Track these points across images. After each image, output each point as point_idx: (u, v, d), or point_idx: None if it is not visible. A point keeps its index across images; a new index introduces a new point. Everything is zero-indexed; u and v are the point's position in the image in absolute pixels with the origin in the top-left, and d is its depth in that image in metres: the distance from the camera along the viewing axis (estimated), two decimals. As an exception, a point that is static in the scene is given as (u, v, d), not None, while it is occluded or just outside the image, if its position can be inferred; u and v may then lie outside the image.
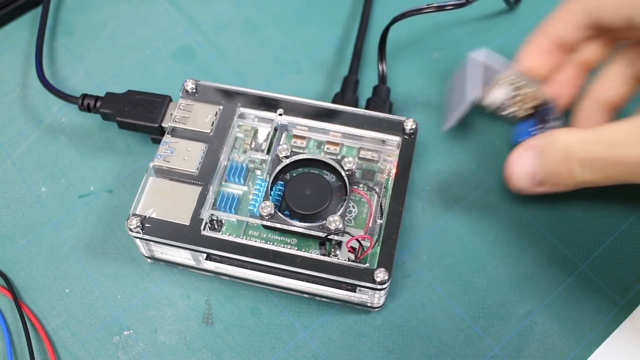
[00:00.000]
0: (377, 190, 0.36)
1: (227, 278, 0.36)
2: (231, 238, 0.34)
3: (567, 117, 0.38)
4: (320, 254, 0.34)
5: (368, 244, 0.33)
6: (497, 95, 0.38)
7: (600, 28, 0.36)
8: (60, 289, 0.36)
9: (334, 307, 0.36)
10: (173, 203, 0.35)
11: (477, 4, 0.42)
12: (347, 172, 0.36)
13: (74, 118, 0.41)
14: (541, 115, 0.37)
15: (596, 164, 0.32)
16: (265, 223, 0.34)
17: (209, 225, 0.35)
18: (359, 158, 0.37)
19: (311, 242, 0.35)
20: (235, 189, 0.36)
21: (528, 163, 0.34)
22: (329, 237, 0.33)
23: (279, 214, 0.34)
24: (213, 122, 0.37)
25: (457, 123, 0.39)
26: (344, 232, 0.33)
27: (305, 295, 0.36)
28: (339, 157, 0.36)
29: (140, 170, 0.39)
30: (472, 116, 0.41)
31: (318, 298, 0.36)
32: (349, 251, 0.34)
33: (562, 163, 0.33)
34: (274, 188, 0.36)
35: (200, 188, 0.35)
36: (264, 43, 0.44)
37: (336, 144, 0.37)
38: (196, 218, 0.34)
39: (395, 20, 0.40)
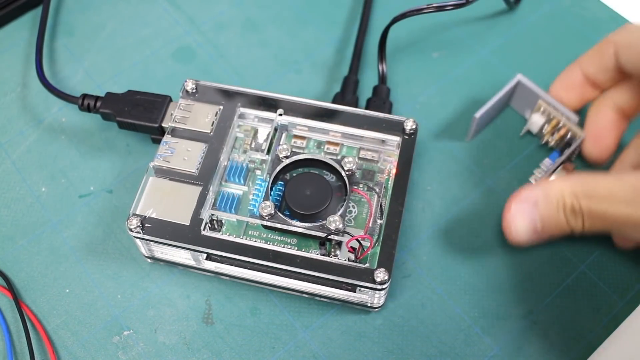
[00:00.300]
0: (377, 190, 0.36)
1: (227, 278, 0.36)
2: (231, 238, 0.34)
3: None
4: (320, 254, 0.34)
5: (368, 244, 0.33)
6: (535, 120, 0.39)
7: (627, 73, 0.36)
8: (60, 289, 0.36)
9: (334, 307, 0.36)
10: (173, 203, 0.35)
11: (477, 4, 0.42)
12: (347, 172, 0.36)
13: (74, 118, 0.41)
14: (567, 148, 0.38)
15: (585, 216, 0.32)
16: (265, 223, 0.34)
17: (209, 225, 0.35)
18: (359, 158, 0.37)
19: (311, 242, 0.35)
20: (235, 189, 0.36)
21: (527, 215, 0.34)
22: (329, 237, 0.33)
23: (279, 214, 0.34)
24: (213, 122, 0.37)
25: (472, 136, 0.40)
26: (344, 232, 0.33)
27: (305, 295, 0.36)
28: (339, 157, 0.36)
29: (140, 170, 0.39)
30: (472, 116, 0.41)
31: (318, 298, 0.36)
32: (349, 251, 0.34)
33: (557, 212, 0.33)
34: (274, 188, 0.36)
35: (200, 188, 0.35)
36: (264, 43, 0.44)
37: (336, 144, 0.37)
38: (196, 218, 0.34)
39: (395, 20, 0.40)
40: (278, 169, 0.36)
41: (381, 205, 0.35)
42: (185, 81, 0.38)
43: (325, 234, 0.33)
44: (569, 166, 0.37)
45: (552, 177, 0.37)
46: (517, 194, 0.34)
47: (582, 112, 0.38)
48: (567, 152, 0.37)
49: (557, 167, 0.37)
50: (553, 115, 0.38)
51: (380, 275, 0.32)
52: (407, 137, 0.37)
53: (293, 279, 0.34)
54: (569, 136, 0.38)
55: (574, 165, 0.37)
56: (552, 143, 0.39)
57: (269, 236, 0.35)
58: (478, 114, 0.38)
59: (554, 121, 0.38)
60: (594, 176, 0.32)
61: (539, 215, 0.33)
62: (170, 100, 0.39)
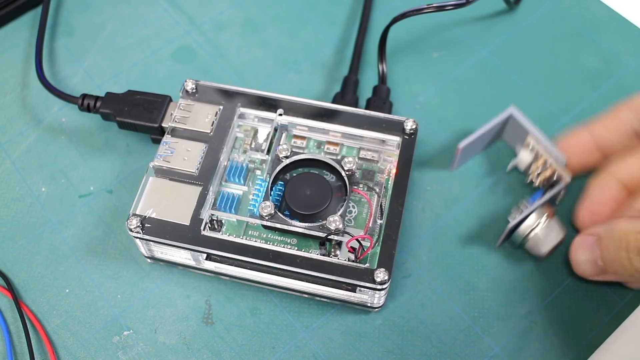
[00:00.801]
0: (377, 190, 0.36)
1: (227, 278, 0.36)
2: (231, 238, 0.34)
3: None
4: (320, 254, 0.34)
5: (368, 244, 0.33)
6: (522, 157, 0.38)
7: None
8: (60, 289, 0.36)
9: (334, 307, 0.36)
10: (173, 203, 0.35)
11: (477, 4, 0.42)
12: (347, 172, 0.36)
13: (74, 118, 0.41)
14: (550, 189, 0.36)
15: None
16: (265, 223, 0.34)
17: (209, 225, 0.35)
18: (359, 158, 0.37)
19: (311, 242, 0.35)
20: (235, 189, 0.36)
21: (589, 250, 0.34)
22: (329, 237, 0.33)
23: (279, 214, 0.34)
24: (213, 122, 0.37)
25: (456, 166, 0.39)
26: (344, 232, 0.33)
27: (305, 295, 0.36)
28: (339, 157, 0.36)
29: (140, 170, 0.39)
30: (472, 116, 0.41)
31: (318, 298, 0.36)
32: (349, 251, 0.34)
33: (620, 252, 0.32)
34: (274, 188, 0.36)
35: (200, 188, 0.35)
36: (264, 43, 0.44)
37: (336, 144, 0.37)
38: (196, 218, 0.34)
39: (395, 20, 0.40)
40: (278, 169, 0.36)
41: (381, 205, 0.35)
42: (185, 81, 0.38)
43: (325, 234, 0.33)
44: (549, 208, 0.36)
45: (531, 217, 0.35)
46: (584, 230, 0.34)
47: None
48: (549, 193, 0.36)
49: (536, 208, 0.35)
50: (541, 153, 0.37)
51: (380, 275, 0.32)
52: (407, 137, 0.37)
53: (293, 279, 0.34)
54: (554, 178, 0.36)
55: (554, 208, 0.36)
56: (536, 183, 0.37)
57: (269, 236, 0.35)
58: (462, 144, 0.37)
59: (541, 160, 0.37)
60: None
61: (600, 253, 0.33)
62: (170, 100, 0.39)
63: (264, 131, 0.38)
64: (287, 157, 0.36)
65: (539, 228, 0.35)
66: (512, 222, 0.35)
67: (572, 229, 0.37)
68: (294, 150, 0.37)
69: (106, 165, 0.40)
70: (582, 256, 0.34)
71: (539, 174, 0.37)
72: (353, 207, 0.36)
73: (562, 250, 0.37)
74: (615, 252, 0.32)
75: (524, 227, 0.35)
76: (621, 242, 0.32)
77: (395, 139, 0.37)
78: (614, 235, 0.32)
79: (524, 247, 0.36)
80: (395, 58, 0.43)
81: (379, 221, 0.34)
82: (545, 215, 0.35)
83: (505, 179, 0.39)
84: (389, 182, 0.36)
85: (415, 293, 0.36)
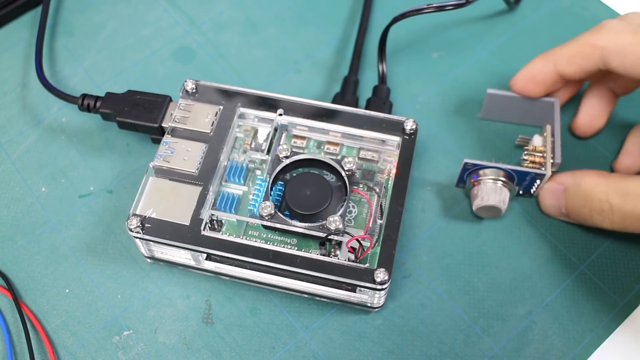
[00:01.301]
0: (377, 190, 0.36)
1: (227, 278, 0.36)
2: (231, 238, 0.34)
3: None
4: (320, 254, 0.34)
5: (368, 244, 0.33)
6: (535, 140, 0.38)
7: (617, 74, 0.36)
8: (60, 289, 0.36)
9: (334, 307, 0.36)
10: (173, 203, 0.35)
11: (477, 4, 0.42)
12: (347, 172, 0.36)
13: (74, 118, 0.41)
14: (534, 174, 0.36)
15: (614, 215, 0.33)
16: (265, 223, 0.34)
17: (209, 225, 0.35)
18: (359, 158, 0.37)
19: (311, 242, 0.35)
20: (235, 189, 0.36)
21: (556, 198, 0.36)
22: (329, 237, 0.33)
23: (279, 214, 0.34)
24: (213, 122, 0.37)
25: (484, 115, 0.40)
26: (344, 232, 0.33)
27: (305, 295, 0.36)
28: (339, 157, 0.36)
29: (140, 170, 0.39)
30: (472, 117, 0.41)
31: (318, 298, 0.36)
32: (349, 251, 0.33)
33: (583, 208, 0.34)
34: (274, 188, 0.36)
35: (200, 188, 0.35)
36: (264, 43, 0.44)
37: (336, 144, 0.37)
38: (196, 218, 0.34)
39: (395, 20, 0.40)
40: (278, 169, 0.36)
41: (381, 205, 0.35)
42: (185, 81, 0.38)
43: (325, 234, 0.33)
44: (510, 182, 0.36)
45: (489, 170, 0.36)
46: (558, 174, 0.36)
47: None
48: (523, 169, 0.36)
49: (501, 168, 0.36)
50: (545, 144, 0.37)
51: (380, 275, 0.32)
52: (407, 137, 0.37)
53: (293, 279, 0.34)
54: (539, 167, 0.37)
55: (517, 188, 0.37)
56: (526, 163, 0.37)
57: (269, 236, 0.35)
58: (491, 90, 0.39)
59: (541, 147, 0.37)
60: (627, 177, 0.33)
61: (565, 203, 0.36)
62: (170, 100, 0.39)
63: (264, 131, 0.38)
64: (287, 157, 0.36)
65: (489, 183, 0.36)
66: (471, 162, 0.36)
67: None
68: (294, 150, 0.37)
69: (106, 165, 0.40)
70: (549, 201, 0.37)
71: (531, 153, 0.38)
72: (353, 207, 0.36)
73: (561, 250, 0.37)
74: (579, 208, 0.35)
75: (479, 175, 0.36)
76: (585, 200, 0.34)
77: (395, 139, 0.37)
78: (579, 192, 0.35)
79: (467, 194, 0.37)
80: (395, 58, 0.43)
81: (379, 221, 0.34)
82: (502, 180, 0.36)
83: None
84: (389, 182, 0.36)
85: (415, 293, 0.36)
